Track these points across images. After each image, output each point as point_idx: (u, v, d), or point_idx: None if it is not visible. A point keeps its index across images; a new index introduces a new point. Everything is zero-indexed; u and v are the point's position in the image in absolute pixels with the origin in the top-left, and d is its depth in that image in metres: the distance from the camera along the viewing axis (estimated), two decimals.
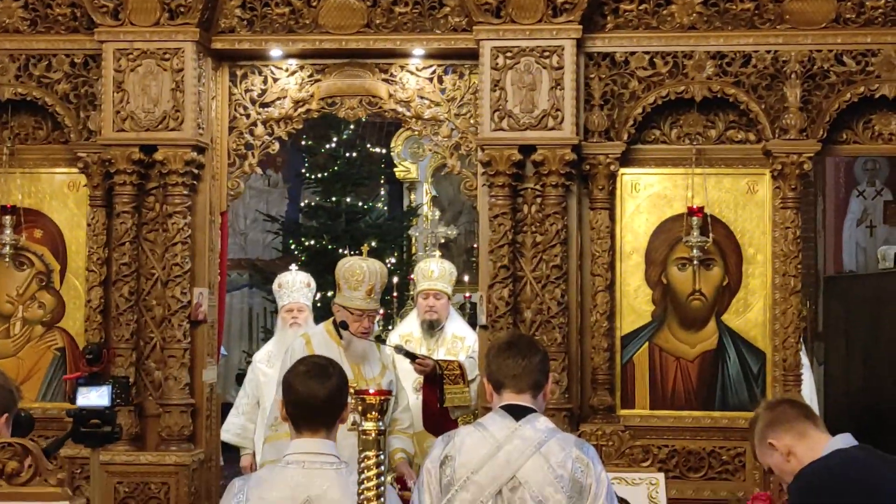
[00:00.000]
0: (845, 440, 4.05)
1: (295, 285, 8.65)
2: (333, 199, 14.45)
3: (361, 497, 2.98)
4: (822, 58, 6.70)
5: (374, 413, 3.00)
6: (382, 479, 3.00)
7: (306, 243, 14.16)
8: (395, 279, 12.77)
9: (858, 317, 10.90)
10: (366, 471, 2.99)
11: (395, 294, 12.56)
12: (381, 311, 11.87)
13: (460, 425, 7.15)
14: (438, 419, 7.14)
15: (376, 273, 6.62)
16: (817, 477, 3.89)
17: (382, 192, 15.58)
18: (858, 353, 10.75)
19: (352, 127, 14.29)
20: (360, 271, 6.61)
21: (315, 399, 3.90)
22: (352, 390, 5.92)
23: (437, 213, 14.75)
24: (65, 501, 3.09)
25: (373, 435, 2.98)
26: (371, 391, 3.02)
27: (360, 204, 14.61)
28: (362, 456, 2.99)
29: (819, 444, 4.04)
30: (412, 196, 15.50)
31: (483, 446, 4.13)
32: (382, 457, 3.01)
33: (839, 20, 6.68)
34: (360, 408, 3.00)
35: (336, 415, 3.97)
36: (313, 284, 8.86)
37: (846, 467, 3.90)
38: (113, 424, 5.10)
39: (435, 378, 7.19)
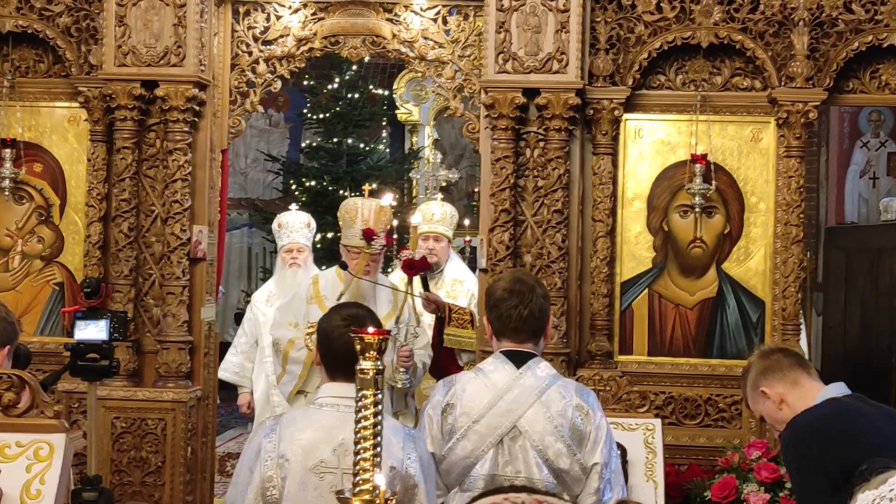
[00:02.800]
0: (838, 389, 4.05)
1: (295, 225, 8.64)
2: (335, 140, 14.42)
3: (358, 436, 2.97)
4: (831, 5, 6.63)
5: (372, 352, 2.98)
6: (380, 418, 2.99)
7: (307, 184, 14.14)
8: (395, 221, 12.75)
9: (858, 268, 10.91)
10: (363, 409, 2.97)
11: (394, 236, 12.55)
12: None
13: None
14: (442, 363, 7.13)
15: (372, 210, 6.58)
16: (809, 426, 3.90)
17: (384, 134, 15.54)
18: (857, 305, 10.78)
19: (354, 68, 14.25)
20: (353, 208, 6.58)
21: (352, 352, 3.88)
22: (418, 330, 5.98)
23: (439, 156, 14.73)
24: (61, 433, 3.09)
25: (370, 374, 2.97)
26: (370, 330, 3.01)
27: (362, 145, 14.58)
28: (359, 395, 2.98)
29: (812, 392, 4.04)
30: (414, 139, 15.48)
31: (484, 394, 4.13)
32: (380, 396, 3.00)
33: None
34: (358, 347, 2.98)
35: None
36: (313, 225, 8.85)
37: (838, 417, 3.90)
38: (110, 358, 5.10)
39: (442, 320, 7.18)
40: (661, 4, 6.74)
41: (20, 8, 6.94)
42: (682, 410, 6.76)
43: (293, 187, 14.48)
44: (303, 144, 15.71)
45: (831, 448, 3.79)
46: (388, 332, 3.12)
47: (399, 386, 6.64)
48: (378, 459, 2.96)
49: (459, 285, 7.99)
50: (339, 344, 3.88)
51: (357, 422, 2.98)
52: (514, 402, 4.11)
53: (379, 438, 2.99)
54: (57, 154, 7.09)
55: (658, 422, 5.67)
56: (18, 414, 3.15)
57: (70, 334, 5.28)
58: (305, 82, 14.43)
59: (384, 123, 15.54)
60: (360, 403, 2.98)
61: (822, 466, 3.78)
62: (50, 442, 3.07)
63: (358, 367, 2.99)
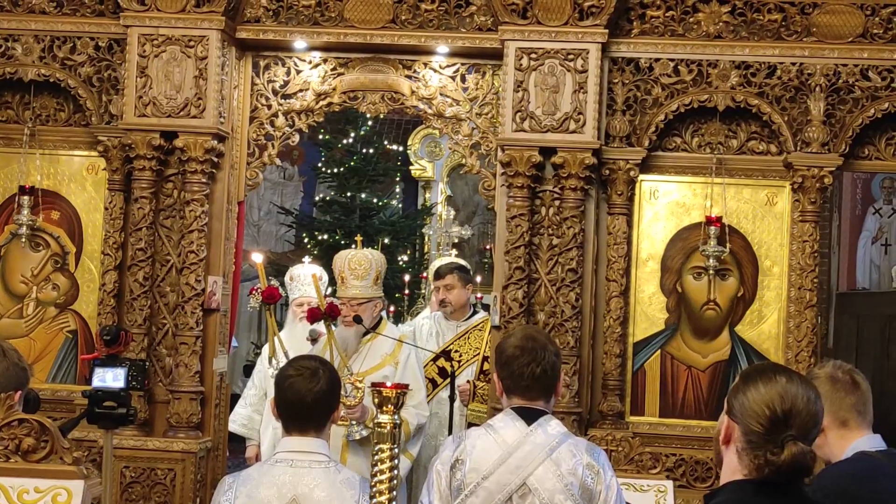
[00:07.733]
0: (873, 442, 4.00)
1: (307, 279, 8.61)
2: (348, 194, 14.49)
3: (374, 490, 2.98)
4: (848, 72, 6.68)
5: (389, 406, 2.99)
6: (396, 472, 2.99)
7: (319, 237, 14.19)
8: (407, 277, 12.78)
9: (869, 334, 10.88)
10: (379, 464, 2.98)
11: (406, 292, 12.56)
12: (391, 308, 11.88)
13: None
14: None
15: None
16: (836, 484, 3.86)
17: (397, 190, 15.63)
18: (868, 371, 10.69)
19: (369, 123, 14.34)
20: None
21: (303, 402, 3.88)
22: (358, 383, 5.93)
23: (452, 212, 14.76)
24: (80, 480, 3.10)
25: (388, 428, 2.98)
26: (388, 385, 3.02)
27: (375, 200, 14.65)
28: (376, 448, 2.99)
29: (851, 437, 3.98)
30: (427, 195, 15.54)
31: (494, 451, 4.11)
32: (396, 450, 3.00)
33: (866, 35, 6.67)
34: (375, 400, 2.99)
35: (325, 416, 3.95)
36: (326, 278, 8.83)
37: (866, 477, 3.86)
38: (128, 406, 5.09)
39: None
40: (679, 67, 6.79)
41: (43, 57, 7.01)
42: (693, 473, 6.73)
43: (305, 240, 14.52)
44: (316, 198, 15.79)
45: None
46: (406, 385, 3.11)
47: (357, 438, 6.49)
48: None
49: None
50: (290, 394, 3.90)
51: (373, 476, 2.99)
52: (524, 459, 4.08)
53: (394, 493, 2.99)
54: (74, 202, 7.13)
55: (670, 483, 5.62)
56: (37, 459, 3.15)
57: (88, 381, 5.27)
58: (320, 136, 14.52)
59: (398, 179, 15.61)
60: (376, 458, 2.98)
61: None
62: (68, 488, 3.07)
63: (375, 421, 3.00)
